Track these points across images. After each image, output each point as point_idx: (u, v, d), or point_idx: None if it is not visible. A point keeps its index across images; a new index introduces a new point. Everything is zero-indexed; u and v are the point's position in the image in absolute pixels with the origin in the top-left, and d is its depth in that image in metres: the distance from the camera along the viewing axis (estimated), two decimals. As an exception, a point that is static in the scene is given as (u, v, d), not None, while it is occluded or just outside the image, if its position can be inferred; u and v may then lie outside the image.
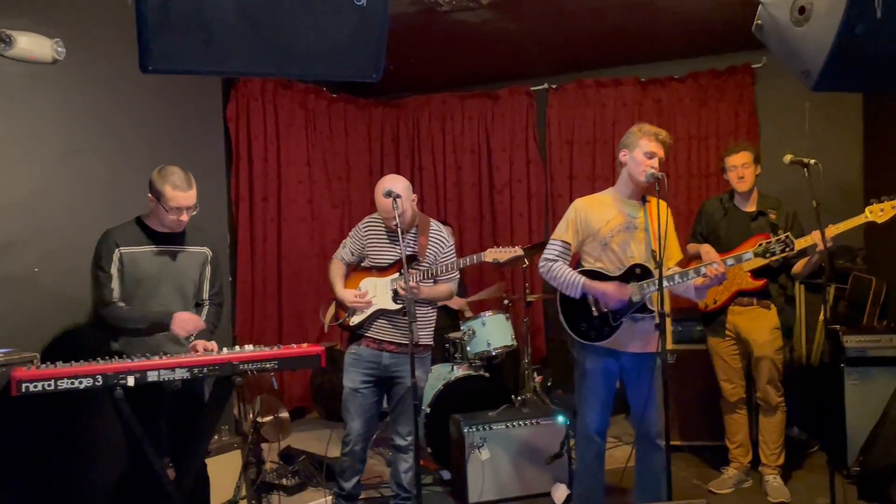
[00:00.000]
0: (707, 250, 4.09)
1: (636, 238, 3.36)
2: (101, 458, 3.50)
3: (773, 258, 3.30)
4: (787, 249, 3.24)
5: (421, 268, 3.60)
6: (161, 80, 3.89)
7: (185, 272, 3.24)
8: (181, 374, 2.71)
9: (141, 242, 3.11)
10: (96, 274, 3.05)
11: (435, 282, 3.67)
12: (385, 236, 3.70)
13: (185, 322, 3.06)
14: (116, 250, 3.05)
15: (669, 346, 3.28)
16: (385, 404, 3.85)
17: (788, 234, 3.27)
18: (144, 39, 1.84)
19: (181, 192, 3.07)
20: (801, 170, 3.33)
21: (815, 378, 5.00)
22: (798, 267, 3.98)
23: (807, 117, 5.69)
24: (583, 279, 3.34)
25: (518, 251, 3.60)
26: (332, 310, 3.92)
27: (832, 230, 3.52)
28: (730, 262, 3.27)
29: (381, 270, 3.66)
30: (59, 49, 3.37)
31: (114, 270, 3.05)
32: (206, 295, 3.33)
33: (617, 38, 5.66)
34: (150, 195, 3.10)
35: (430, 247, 3.67)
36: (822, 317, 4.99)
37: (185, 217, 3.13)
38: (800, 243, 3.53)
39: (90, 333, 3.57)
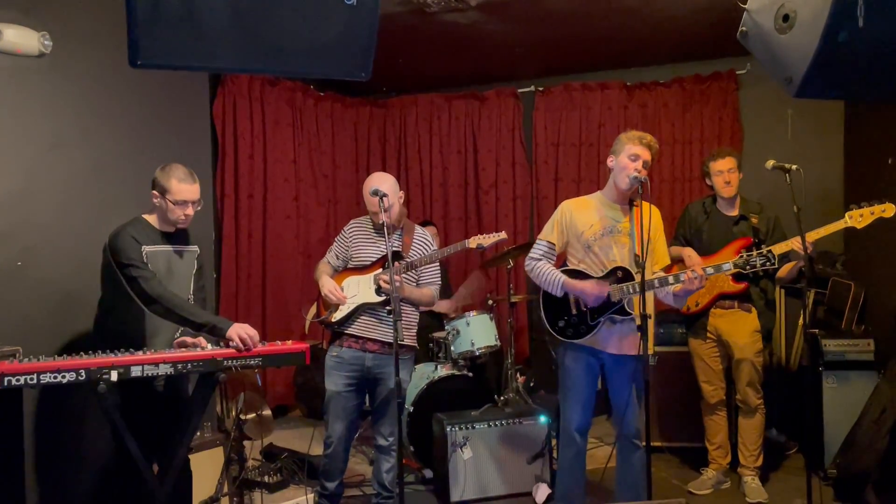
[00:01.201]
0: (689, 254, 4.13)
1: (619, 242, 3.41)
2: (85, 452, 3.48)
3: (753, 270, 3.34)
4: (769, 264, 3.28)
5: (404, 261, 3.61)
6: (148, 76, 3.85)
7: (184, 271, 3.26)
8: (165, 369, 2.70)
9: (156, 241, 3.12)
10: (132, 271, 2.96)
11: (417, 284, 3.69)
12: (370, 235, 3.71)
13: (246, 328, 2.95)
14: (142, 247, 3.03)
15: (651, 348, 3.31)
16: (367, 404, 3.86)
17: (770, 249, 3.32)
18: (134, 34, 1.84)
19: (186, 185, 3.08)
20: (782, 175, 3.37)
21: (794, 381, 5.06)
22: (783, 271, 4.03)
23: (789, 124, 5.76)
24: (563, 277, 3.40)
25: (502, 235, 3.65)
26: (313, 309, 3.92)
27: (812, 235, 3.56)
28: (709, 270, 3.31)
29: (364, 268, 3.67)
30: (46, 42, 3.37)
31: None
32: (191, 290, 3.31)
33: (604, 43, 5.70)
34: (154, 192, 3.10)
35: (414, 246, 3.69)
36: (801, 321, 5.05)
37: (190, 211, 3.14)
38: (780, 247, 3.57)
39: (74, 327, 3.56)
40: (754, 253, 3.29)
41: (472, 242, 3.61)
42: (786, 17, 2.25)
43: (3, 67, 3.32)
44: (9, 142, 3.40)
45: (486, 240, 3.60)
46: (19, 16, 3.29)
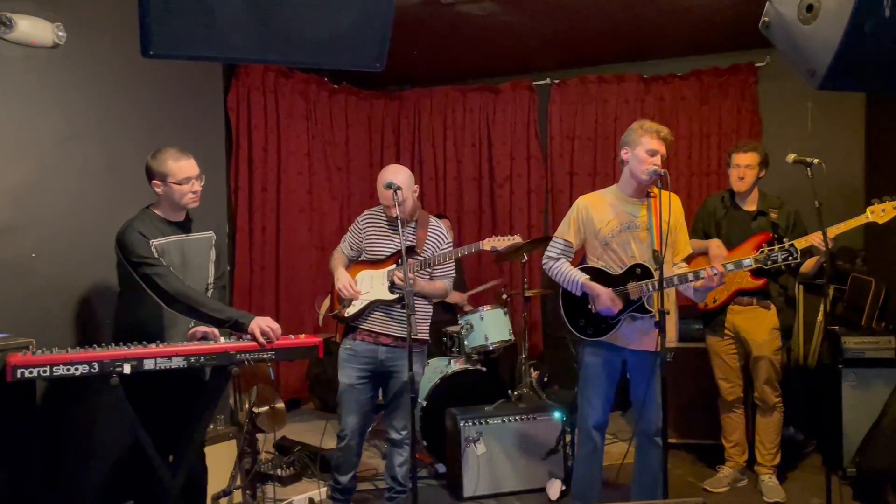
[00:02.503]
0: (716, 245, 4.07)
1: (638, 237, 3.37)
2: (98, 444, 3.49)
3: (775, 266, 3.28)
4: (791, 258, 3.22)
5: (418, 258, 3.59)
6: (162, 67, 3.87)
7: (200, 259, 3.21)
8: (178, 362, 2.70)
9: (164, 233, 3.05)
10: (146, 269, 2.90)
11: (431, 277, 3.66)
12: (383, 228, 3.68)
13: (268, 322, 2.94)
14: (151, 242, 2.97)
15: (675, 341, 3.30)
16: (381, 398, 3.85)
17: (793, 242, 3.26)
18: (146, 23, 1.82)
19: (184, 161, 3.04)
20: (802, 169, 3.31)
21: (813, 379, 5.00)
22: (806, 266, 3.96)
23: (809, 117, 5.68)
24: (583, 278, 3.36)
25: (517, 239, 3.61)
26: (327, 302, 3.91)
27: (832, 230, 3.51)
28: (730, 266, 3.25)
29: (378, 263, 3.64)
30: (60, 33, 3.35)
31: None
32: (211, 279, 3.27)
33: (620, 34, 5.63)
34: (155, 181, 3.04)
35: (428, 240, 3.66)
36: (820, 317, 4.98)
37: (197, 187, 3.09)
38: (799, 243, 3.52)
39: (88, 319, 3.57)
40: (776, 247, 3.24)
41: (487, 245, 3.58)
42: (810, 7, 2.20)
43: (18, 58, 3.32)
44: (23, 133, 3.41)
45: (501, 242, 3.57)
46: (34, 7, 3.29)
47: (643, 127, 3.34)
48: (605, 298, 3.30)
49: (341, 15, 1.99)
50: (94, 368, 2.57)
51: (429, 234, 3.67)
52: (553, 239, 3.56)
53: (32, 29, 3.27)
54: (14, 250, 3.34)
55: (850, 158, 5.53)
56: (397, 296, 3.54)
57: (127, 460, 3.10)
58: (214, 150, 4.69)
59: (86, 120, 3.68)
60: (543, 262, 3.55)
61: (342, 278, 3.61)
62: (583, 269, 3.42)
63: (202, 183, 3.14)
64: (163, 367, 2.68)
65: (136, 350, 2.67)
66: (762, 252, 3.25)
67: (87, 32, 3.59)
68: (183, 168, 3.03)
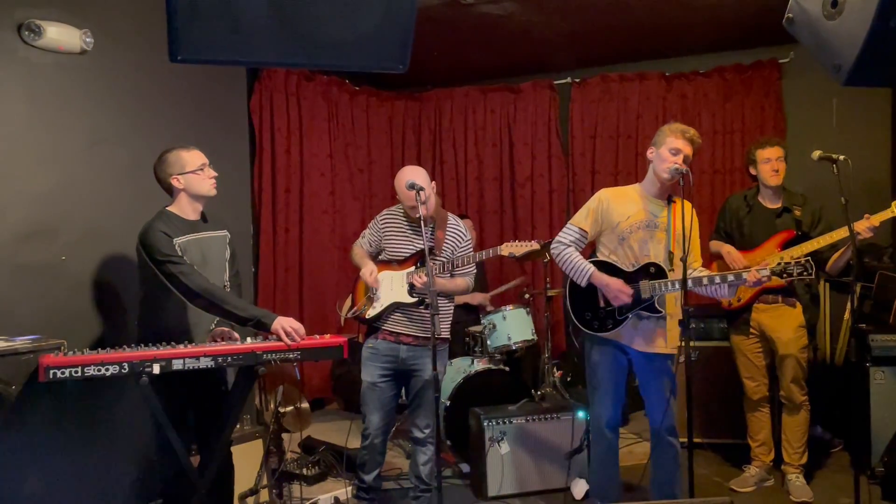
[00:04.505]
0: (728, 251, 4.05)
1: (655, 238, 3.36)
2: (127, 444, 3.54)
3: (790, 279, 3.28)
4: (805, 274, 3.22)
5: (438, 260, 3.60)
6: (187, 72, 3.92)
7: (217, 257, 3.24)
8: (206, 362, 2.73)
9: (185, 231, 3.08)
10: (171, 266, 2.91)
11: (451, 275, 3.67)
12: (403, 229, 3.70)
13: (291, 322, 2.95)
14: (174, 240, 2.99)
15: (677, 345, 3.30)
16: (403, 397, 3.86)
17: (808, 258, 3.27)
18: (174, 28, 1.85)
19: (195, 151, 3.11)
20: (827, 166, 3.29)
21: (840, 377, 4.95)
22: (831, 262, 3.91)
23: (834, 113, 5.62)
24: (592, 269, 3.36)
25: (535, 245, 3.59)
26: (347, 302, 3.93)
27: (863, 224, 3.49)
28: (764, 272, 3.24)
29: (398, 264, 3.66)
30: (88, 39, 3.43)
31: None
32: (227, 277, 3.30)
33: (642, 32, 5.61)
34: (174, 177, 3.07)
35: (447, 241, 3.67)
36: (847, 315, 4.93)
37: (213, 173, 3.14)
38: (824, 239, 3.50)
39: (116, 321, 3.62)
40: (793, 262, 3.24)
41: (505, 250, 3.58)
42: (834, 3, 2.18)
43: (46, 64, 3.39)
44: (52, 138, 3.47)
45: (519, 248, 3.57)
46: (62, 14, 3.35)
47: (670, 127, 3.36)
48: (614, 288, 3.29)
49: (364, 17, 2.00)
50: (125, 369, 2.61)
51: (447, 233, 3.68)
52: (568, 225, 3.54)
53: (60, 35, 3.34)
54: (44, 253, 3.40)
55: (877, 154, 5.46)
56: (417, 299, 3.56)
57: (156, 460, 3.13)
58: (238, 153, 4.75)
59: (113, 124, 3.74)
60: (553, 245, 3.52)
61: (369, 265, 3.64)
62: (592, 262, 3.41)
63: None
64: (191, 367, 2.71)
65: (164, 351, 2.71)
66: (779, 264, 3.26)
67: (113, 39, 3.65)
68: (195, 156, 3.10)
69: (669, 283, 3.27)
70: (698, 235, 3.49)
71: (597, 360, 3.48)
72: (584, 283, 3.39)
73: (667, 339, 3.34)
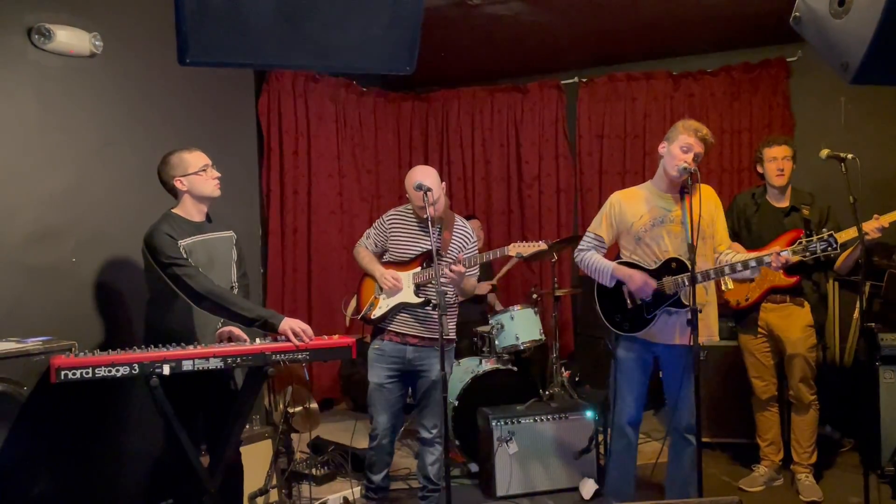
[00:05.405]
0: (737, 249, 4.03)
1: (671, 232, 3.37)
2: (137, 444, 3.56)
3: (814, 256, 3.23)
4: (830, 249, 3.15)
5: (444, 261, 3.60)
6: (195, 75, 3.94)
7: (224, 258, 3.24)
8: (215, 363, 2.74)
9: (189, 233, 3.07)
10: (176, 269, 2.91)
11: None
12: (410, 229, 3.70)
13: (299, 323, 2.95)
14: (178, 242, 2.98)
15: (716, 335, 3.31)
16: (410, 397, 3.87)
17: (832, 232, 3.18)
18: (183, 32, 1.85)
19: (196, 152, 3.11)
20: (836, 165, 3.27)
21: (849, 376, 4.93)
22: (840, 261, 3.90)
23: (842, 112, 5.60)
24: (612, 264, 3.39)
25: (542, 245, 3.62)
26: (353, 303, 3.94)
27: (872, 224, 3.47)
28: (766, 259, 3.22)
29: (403, 264, 3.67)
30: (97, 43, 3.44)
31: None
32: (234, 278, 3.30)
33: (649, 32, 5.61)
34: (177, 179, 3.07)
35: (454, 242, 3.68)
36: (856, 314, 4.91)
37: (216, 174, 3.13)
38: (842, 236, 3.47)
39: (126, 323, 3.64)
40: (815, 238, 3.18)
41: (513, 250, 3.60)
42: (841, 2, 2.18)
43: (56, 68, 3.40)
44: (62, 140, 3.49)
45: (526, 249, 3.59)
46: (71, 17, 3.37)
47: (685, 124, 3.36)
48: (637, 279, 3.31)
49: (372, 19, 2.01)
50: (135, 370, 2.63)
51: (454, 235, 3.69)
52: (586, 233, 3.59)
53: (70, 39, 3.36)
54: (55, 255, 3.42)
55: (885, 153, 5.43)
56: (423, 299, 3.57)
57: (165, 461, 3.14)
58: (247, 155, 4.76)
59: (122, 127, 3.76)
60: (575, 254, 3.59)
61: (382, 270, 3.65)
62: (618, 263, 3.44)
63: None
64: (200, 368, 2.72)
65: (174, 352, 2.72)
66: (799, 243, 3.19)
67: (123, 42, 3.67)
68: (197, 157, 3.09)
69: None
70: (724, 216, 3.51)
71: (623, 357, 3.50)
72: (609, 282, 3.41)
73: (709, 328, 3.38)
